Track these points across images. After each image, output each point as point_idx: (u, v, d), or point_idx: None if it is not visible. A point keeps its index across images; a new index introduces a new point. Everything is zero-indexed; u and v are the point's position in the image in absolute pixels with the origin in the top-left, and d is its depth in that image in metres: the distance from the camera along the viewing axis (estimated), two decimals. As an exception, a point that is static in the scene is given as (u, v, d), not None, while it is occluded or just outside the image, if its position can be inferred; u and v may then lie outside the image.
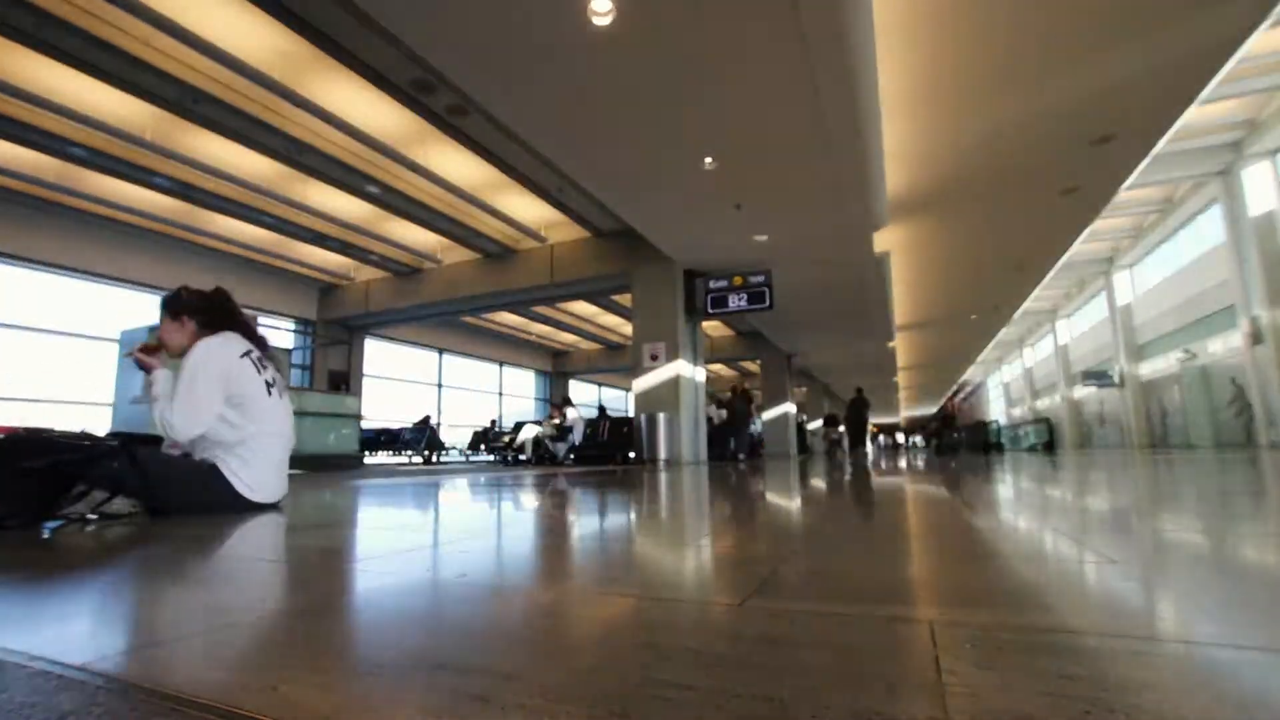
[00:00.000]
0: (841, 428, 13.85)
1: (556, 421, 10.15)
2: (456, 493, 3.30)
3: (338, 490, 3.45)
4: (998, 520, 1.70)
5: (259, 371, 2.21)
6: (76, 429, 2.10)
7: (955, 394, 42.18)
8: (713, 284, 9.50)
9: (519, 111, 5.54)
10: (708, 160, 6.18)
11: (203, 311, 2.24)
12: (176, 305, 2.24)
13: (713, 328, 15.97)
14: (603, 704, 0.46)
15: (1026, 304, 15.42)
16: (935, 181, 7.58)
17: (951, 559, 1.10)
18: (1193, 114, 7.26)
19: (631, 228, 8.50)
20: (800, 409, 14.83)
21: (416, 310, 12.77)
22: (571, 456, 9.96)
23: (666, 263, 9.42)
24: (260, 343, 2.32)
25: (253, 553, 1.36)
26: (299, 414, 7.59)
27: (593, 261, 10.21)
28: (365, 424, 10.64)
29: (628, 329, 12.03)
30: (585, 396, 21.77)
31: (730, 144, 5.96)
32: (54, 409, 9.42)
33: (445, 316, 14.29)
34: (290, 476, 2.42)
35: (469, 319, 15.95)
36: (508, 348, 18.36)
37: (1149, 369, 18.11)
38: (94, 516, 1.89)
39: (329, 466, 7.78)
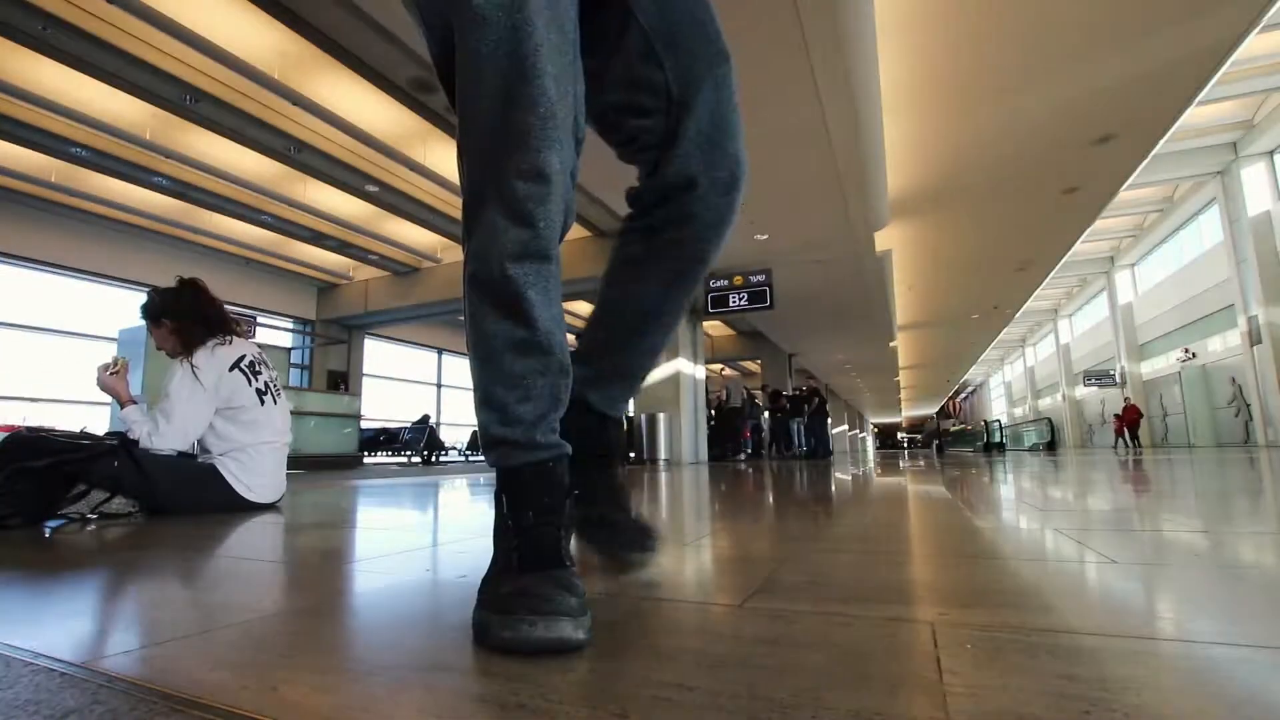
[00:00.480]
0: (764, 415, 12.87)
1: None
2: (456, 493, 3.30)
3: (337, 490, 3.45)
4: (1000, 521, 1.71)
5: (250, 381, 2.19)
6: (76, 429, 2.11)
7: (957, 393, 42.22)
8: (713, 283, 9.50)
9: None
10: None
11: (179, 312, 2.23)
12: (153, 312, 2.23)
13: (713, 327, 15.97)
14: (603, 704, 0.46)
15: (1028, 303, 15.43)
16: (936, 181, 7.58)
17: (953, 559, 1.10)
18: (1191, 114, 7.26)
19: (631, 227, 8.49)
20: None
21: (415, 310, 12.77)
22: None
23: (666, 262, 9.41)
24: (230, 328, 2.26)
25: (252, 553, 1.36)
26: (298, 414, 7.63)
27: (593, 261, 10.21)
28: (365, 424, 10.63)
29: (628, 329, 12.00)
30: (585, 396, 21.71)
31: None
32: (54, 409, 9.43)
33: (445, 316, 14.29)
34: (289, 476, 2.42)
35: (469, 319, 15.93)
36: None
37: (1150, 368, 18.12)
38: (94, 516, 1.89)
39: (328, 466, 7.78)
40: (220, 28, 5.48)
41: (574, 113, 0.70)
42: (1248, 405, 13.31)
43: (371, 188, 8.59)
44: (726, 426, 11.73)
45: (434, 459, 12.06)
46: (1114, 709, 0.44)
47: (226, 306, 2.36)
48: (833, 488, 3.32)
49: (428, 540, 1.46)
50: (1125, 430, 15.97)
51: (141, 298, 2.27)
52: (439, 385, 17.10)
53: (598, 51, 0.83)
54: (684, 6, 0.85)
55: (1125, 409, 16.59)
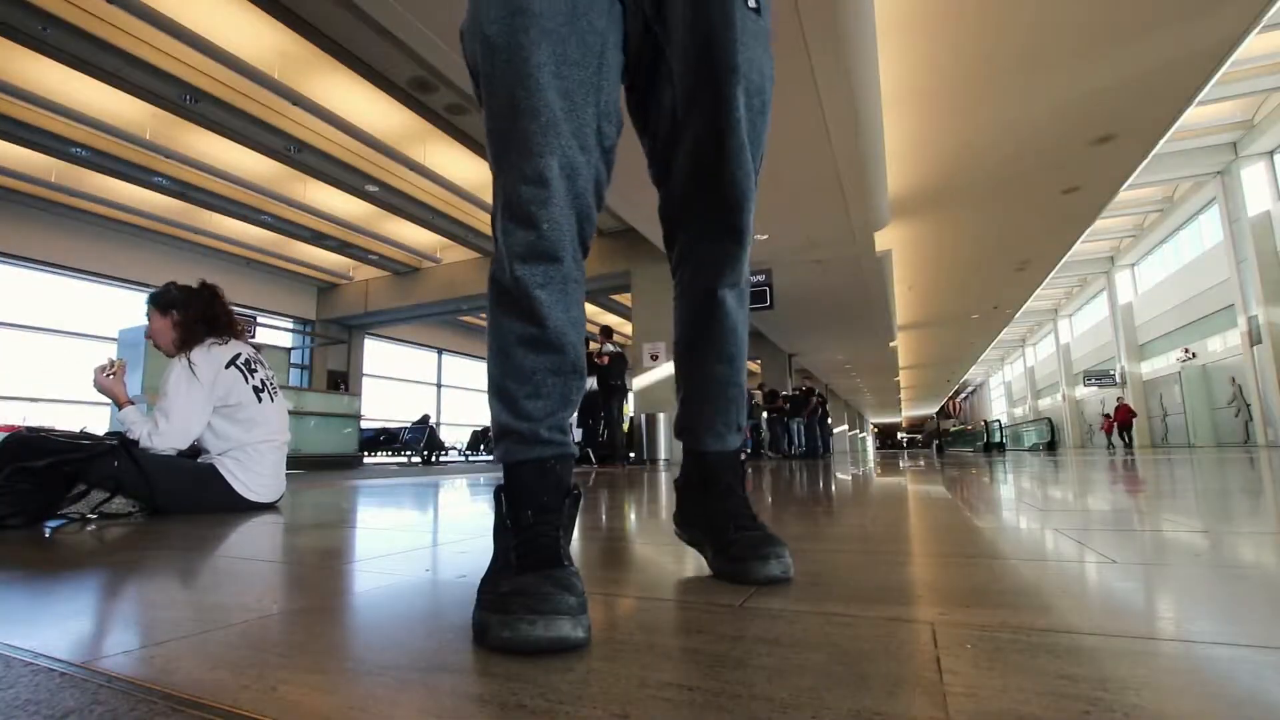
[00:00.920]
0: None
1: None
2: (456, 493, 3.30)
3: (337, 490, 3.45)
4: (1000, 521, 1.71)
5: (248, 378, 2.19)
6: (76, 429, 2.11)
7: (957, 393, 42.22)
8: (713, 283, 9.47)
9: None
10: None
11: (190, 308, 2.23)
12: (165, 301, 2.23)
13: (713, 327, 15.92)
14: (604, 705, 0.46)
15: (1028, 303, 15.44)
16: (936, 181, 7.58)
17: (952, 558, 1.10)
18: (1191, 114, 7.27)
19: (632, 227, 8.50)
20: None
21: (415, 310, 12.77)
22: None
23: (667, 262, 9.41)
24: (238, 333, 2.28)
25: (252, 553, 1.36)
26: (299, 414, 7.63)
27: (593, 261, 10.15)
28: (365, 424, 10.63)
29: (628, 328, 12.05)
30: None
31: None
32: (54, 409, 9.44)
33: (444, 316, 14.29)
34: (289, 476, 2.42)
35: (468, 318, 15.95)
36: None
37: (1150, 368, 18.12)
38: (94, 516, 1.89)
39: (328, 466, 7.78)
40: (220, 28, 5.48)
41: (595, 122, 0.76)
42: (1248, 405, 13.31)
43: (371, 188, 8.59)
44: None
45: (434, 459, 12.06)
46: (1114, 709, 0.44)
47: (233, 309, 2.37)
48: (832, 487, 3.33)
49: (428, 540, 1.46)
50: (1117, 429, 16.05)
51: (142, 298, 2.27)
52: (439, 385, 17.10)
53: (641, 75, 0.91)
54: (705, 18, 0.83)
55: (1117, 408, 16.61)
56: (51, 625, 0.74)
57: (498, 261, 0.76)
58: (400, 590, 0.90)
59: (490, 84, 0.75)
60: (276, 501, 2.29)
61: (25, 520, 1.74)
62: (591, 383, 9.53)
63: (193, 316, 2.21)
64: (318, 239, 10.62)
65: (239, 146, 7.45)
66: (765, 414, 12.24)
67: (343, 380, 13.36)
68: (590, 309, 15.25)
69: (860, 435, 33.86)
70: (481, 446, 13.41)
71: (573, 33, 0.75)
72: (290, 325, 13.22)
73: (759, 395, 12.40)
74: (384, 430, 13.01)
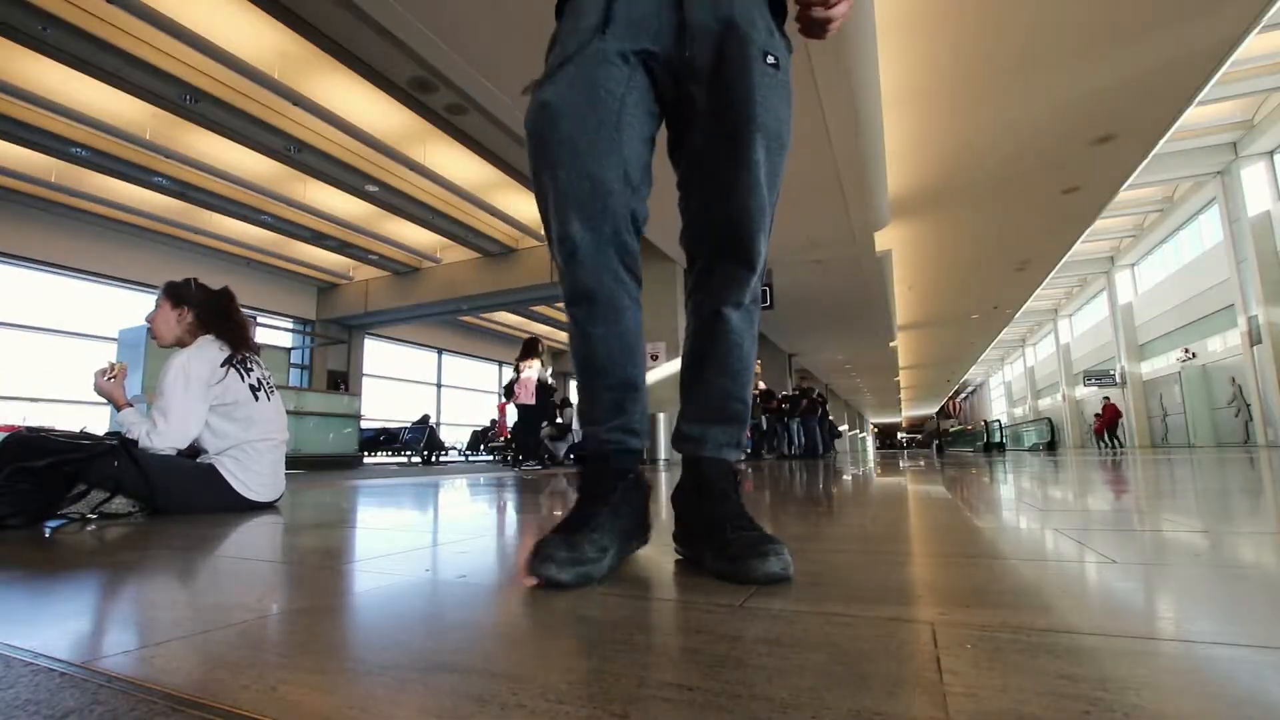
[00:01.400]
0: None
1: (559, 421, 10.14)
2: (456, 493, 3.30)
3: (337, 490, 3.45)
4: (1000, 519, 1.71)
5: (244, 376, 2.19)
6: (76, 429, 2.11)
7: (957, 393, 42.22)
8: (713, 283, 9.47)
9: (519, 111, 5.54)
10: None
11: (205, 308, 2.24)
12: (182, 294, 2.23)
13: (713, 327, 15.92)
14: (603, 705, 0.46)
15: (1028, 303, 15.43)
16: (937, 181, 7.58)
17: (951, 558, 1.10)
18: (1191, 114, 7.27)
19: (632, 227, 8.49)
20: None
21: (416, 310, 12.77)
22: (571, 456, 9.97)
23: (667, 262, 9.42)
24: (248, 345, 2.28)
25: (252, 553, 1.36)
26: (299, 414, 7.63)
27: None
28: (365, 424, 10.63)
29: (628, 329, 12.02)
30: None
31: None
32: (54, 409, 9.43)
33: (444, 316, 14.29)
34: (289, 476, 2.42)
35: (468, 318, 15.96)
36: (507, 347, 18.39)
37: (1150, 368, 18.12)
38: (94, 516, 1.89)
39: (328, 466, 7.78)
40: (220, 28, 5.48)
41: (621, 169, 0.92)
42: (1248, 405, 13.31)
43: (371, 188, 8.59)
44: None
45: (434, 459, 12.06)
46: (1114, 709, 0.44)
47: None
48: (832, 488, 3.33)
49: (428, 540, 1.46)
50: (1105, 430, 16.02)
51: (142, 298, 2.27)
52: (439, 385, 17.11)
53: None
54: (726, 75, 0.95)
55: (1104, 408, 16.59)
56: (51, 625, 0.74)
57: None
58: (400, 590, 0.90)
59: (530, 163, 0.94)
60: (276, 501, 2.29)
61: (25, 520, 1.74)
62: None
63: (206, 320, 2.22)
64: (318, 239, 10.62)
65: (239, 146, 7.45)
66: (763, 414, 12.25)
67: (343, 380, 13.36)
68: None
69: (860, 435, 33.86)
70: (481, 447, 13.41)
71: (590, 110, 0.90)
72: (290, 325, 13.22)
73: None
74: (384, 430, 13.01)
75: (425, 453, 11.91)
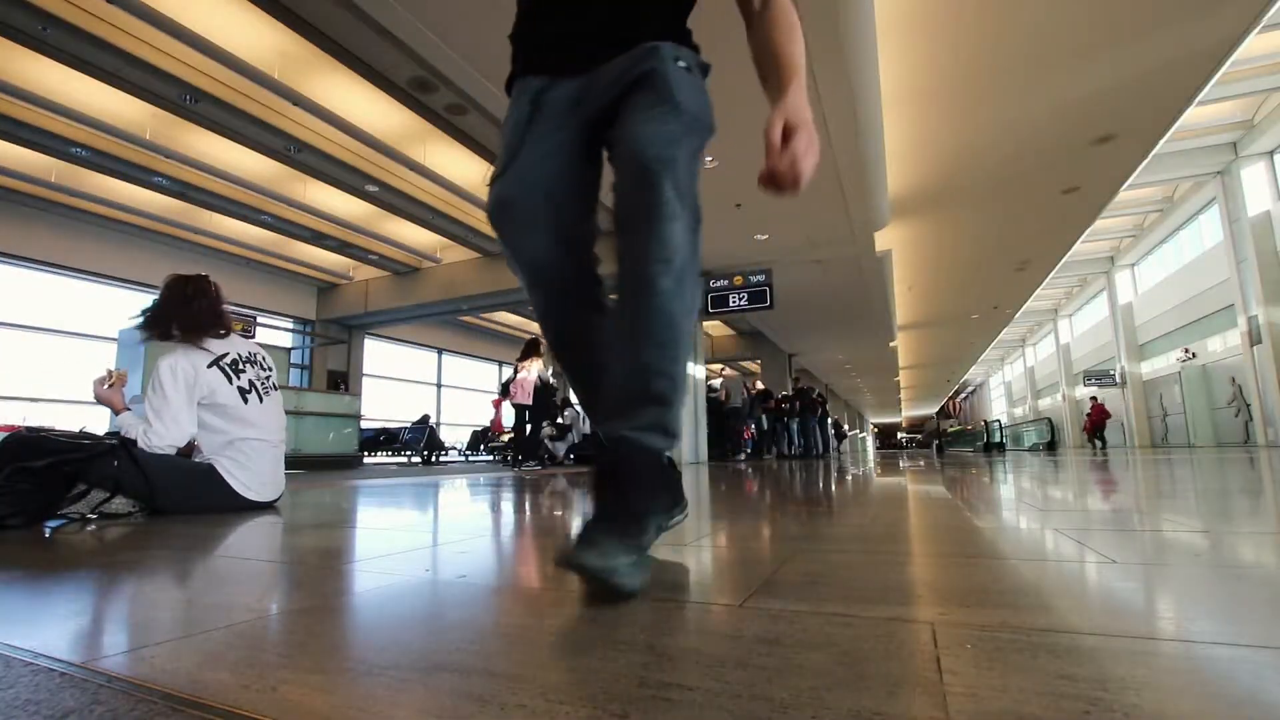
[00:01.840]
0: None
1: (560, 421, 10.13)
2: (456, 493, 3.30)
3: (337, 490, 3.45)
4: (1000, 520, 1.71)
5: (232, 379, 2.18)
6: (76, 429, 2.11)
7: (957, 393, 42.21)
8: (713, 283, 9.50)
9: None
10: (708, 159, 6.19)
11: (166, 301, 2.22)
12: (148, 318, 2.23)
13: (713, 327, 15.96)
14: (603, 705, 0.46)
15: (1028, 303, 15.43)
16: (936, 181, 7.58)
17: (951, 558, 1.10)
18: (1191, 114, 7.27)
19: (631, 227, 8.48)
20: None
21: (415, 310, 12.76)
22: (571, 456, 9.97)
23: (667, 262, 9.41)
24: (217, 326, 2.24)
25: (252, 553, 1.36)
26: (299, 414, 7.63)
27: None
28: (365, 424, 10.63)
29: (628, 328, 12.02)
30: (585, 396, 21.72)
31: (731, 143, 5.96)
32: (54, 409, 9.43)
33: (444, 316, 14.28)
34: (289, 476, 2.42)
35: (468, 318, 15.95)
36: (507, 347, 18.38)
37: (1150, 368, 18.11)
38: (94, 516, 1.89)
39: (328, 466, 7.78)
40: (220, 28, 5.48)
41: (561, 244, 1.10)
42: (1248, 405, 13.30)
43: (371, 188, 8.59)
44: (726, 426, 11.74)
45: (434, 459, 12.05)
46: (1114, 709, 0.44)
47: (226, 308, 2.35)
48: (832, 488, 3.33)
49: (428, 540, 1.46)
50: (1092, 430, 15.99)
51: (142, 298, 2.28)
52: (439, 385, 17.10)
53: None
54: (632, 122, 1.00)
55: (1092, 409, 16.57)
56: (51, 625, 0.74)
57: None
58: (400, 590, 0.90)
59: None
60: (276, 501, 2.29)
61: (25, 520, 1.74)
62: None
63: (166, 315, 2.19)
64: (318, 239, 10.61)
65: (239, 146, 7.45)
66: (763, 414, 12.25)
67: (343, 380, 13.35)
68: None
69: (860, 435, 33.87)
70: (481, 447, 13.40)
71: (528, 198, 1.06)
72: (290, 325, 13.21)
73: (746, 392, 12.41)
74: (384, 430, 13.00)
75: (425, 453, 11.90)
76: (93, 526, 1.75)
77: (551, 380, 7.95)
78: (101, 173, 8.08)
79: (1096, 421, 16.04)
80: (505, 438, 10.52)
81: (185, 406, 2.09)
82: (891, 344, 16.05)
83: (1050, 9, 4.85)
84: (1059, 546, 1.19)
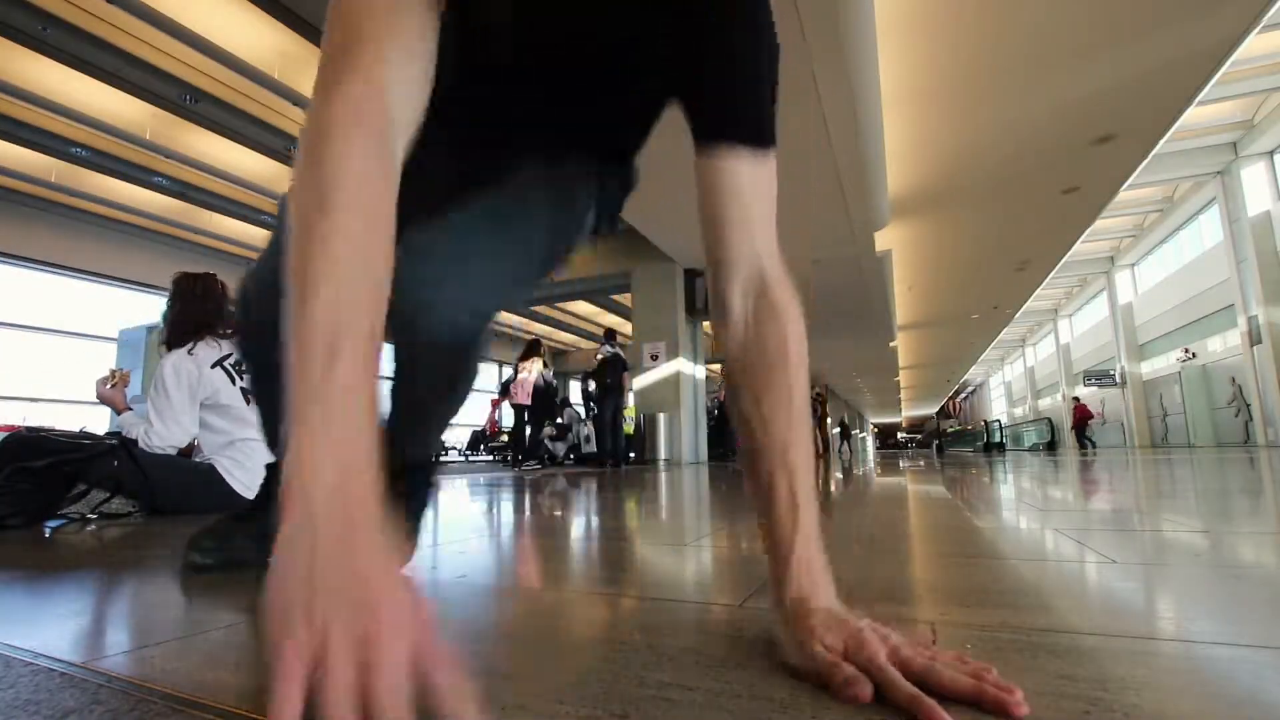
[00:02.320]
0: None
1: (560, 421, 10.13)
2: (455, 493, 3.30)
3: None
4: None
5: (235, 380, 2.18)
6: (76, 429, 2.11)
7: (957, 393, 42.21)
8: (713, 284, 9.47)
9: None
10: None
11: (175, 306, 2.25)
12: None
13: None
14: (603, 705, 0.46)
15: (1028, 303, 15.42)
16: (936, 181, 7.58)
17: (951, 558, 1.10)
18: (1191, 114, 7.27)
19: (632, 227, 8.50)
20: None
21: (416, 310, 12.73)
22: (571, 457, 9.97)
23: (667, 262, 9.42)
24: (213, 321, 2.26)
25: (253, 552, 1.36)
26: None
27: (593, 261, 10.21)
28: (365, 424, 10.58)
29: (628, 328, 12.04)
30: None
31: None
32: (54, 409, 9.43)
33: (445, 316, 14.21)
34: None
35: (469, 318, 15.91)
36: (508, 347, 18.37)
37: (1150, 368, 18.11)
38: (94, 516, 1.89)
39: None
40: (220, 28, 5.48)
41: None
42: (1248, 405, 13.30)
43: (371, 188, 8.58)
44: (726, 426, 11.72)
45: (434, 459, 12.01)
46: (1114, 709, 0.44)
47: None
48: (832, 488, 3.33)
49: (427, 540, 1.46)
50: (1076, 431, 15.99)
51: (142, 298, 2.29)
52: (439, 385, 17.08)
53: None
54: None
55: (1075, 409, 16.57)
56: (51, 625, 0.74)
57: None
58: (400, 590, 0.90)
59: None
60: (276, 501, 2.29)
61: (25, 520, 1.74)
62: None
63: (186, 317, 2.21)
64: (318, 239, 10.61)
65: (239, 146, 7.45)
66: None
67: (343, 380, 13.31)
68: (590, 309, 15.26)
69: (860, 435, 33.87)
70: (481, 446, 13.39)
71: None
72: (290, 325, 13.21)
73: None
74: (384, 430, 12.93)
75: (425, 453, 11.84)
76: (93, 526, 1.75)
77: (552, 381, 7.96)
78: (101, 173, 8.07)
79: (1077, 422, 16.08)
80: (504, 437, 10.52)
81: (187, 407, 2.09)
82: (891, 344, 16.04)
83: (1050, 9, 4.84)
84: (1059, 546, 1.19)
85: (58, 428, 2.05)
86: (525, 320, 16.36)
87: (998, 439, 18.77)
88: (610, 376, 7.92)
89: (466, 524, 1.90)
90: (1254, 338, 12.45)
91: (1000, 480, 3.60)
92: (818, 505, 0.61)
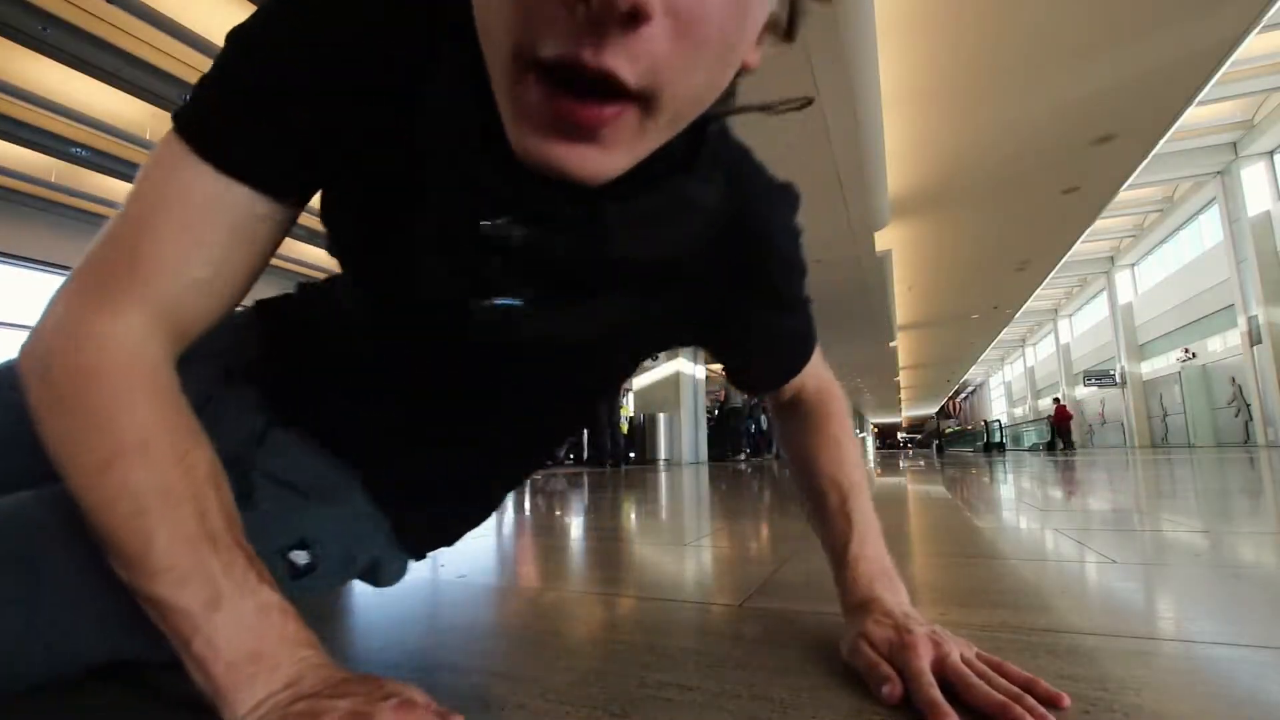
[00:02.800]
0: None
1: None
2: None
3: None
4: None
5: None
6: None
7: (957, 393, 42.21)
8: (713, 284, 9.47)
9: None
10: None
11: None
12: None
13: (713, 327, 15.89)
14: (604, 705, 0.46)
15: (1028, 303, 15.43)
16: (937, 181, 7.58)
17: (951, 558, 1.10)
18: (1191, 114, 7.27)
19: (631, 227, 8.50)
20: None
21: (416, 310, 12.75)
22: (570, 457, 9.97)
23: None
24: None
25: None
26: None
27: (593, 261, 10.19)
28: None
29: (628, 329, 12.03)
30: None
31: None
32: (54, 409, 9.41)
33: (445, 316, 14.23)
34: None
35: (469, 319, 15.92)
36: (508, 347, 18.38)
37: (1150, 368, 18.11)
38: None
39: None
40: (220, 28, 5.47)
41: None
42: (1248, 405, 13.30)
43: (371, 188, 8.60)
44: (726, 426, 11.73)
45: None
46: (1114, 709, 0.44)
47: None
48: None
49: (428, 540, 1.46)
50: (1055, 431, 15.97)
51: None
52: (439, 385, 17.10)
53: None
54: None
55: (1056, 409, 16.58)
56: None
57: None
58: (400, 590, 0.90)
59: None
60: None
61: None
62: None
63: None
64: (314, 238, 10.63)
65: (239, 146, 7.46)
66: (763, 414, 12.25)
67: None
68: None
69: (860, 435, 33.89)
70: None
71: None
72: (290, 325, 13.23)
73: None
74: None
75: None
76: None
77: None
78: (101, 173, 8.08)
79: (1057, 422, 16.10)
80: None
81: None
82: (891, 344, 16.04)
83: (1050, 9, 4.84)
84: (1059, 546, 1.19)
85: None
86: (525, 320, 16.34)
87: (998, 439, 18.75)
88: None
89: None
90: (1254, 338, 12.45)
91: (1000, 480, 3.60)
92: (875, 516, 0.64)
